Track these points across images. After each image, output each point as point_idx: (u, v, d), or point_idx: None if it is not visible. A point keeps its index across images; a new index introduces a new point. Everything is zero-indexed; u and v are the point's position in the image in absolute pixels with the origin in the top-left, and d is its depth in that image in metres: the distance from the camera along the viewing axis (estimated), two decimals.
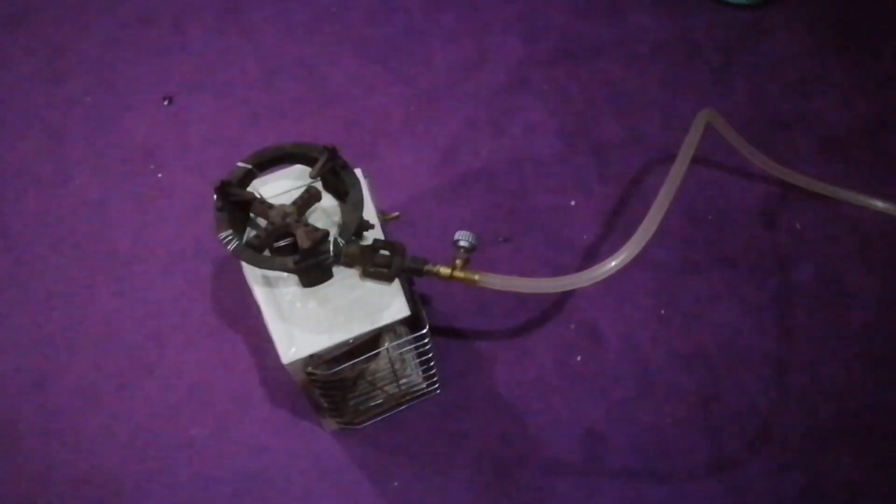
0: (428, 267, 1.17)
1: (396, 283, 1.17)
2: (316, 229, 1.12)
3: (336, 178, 1.19)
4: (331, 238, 1.12)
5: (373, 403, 1.38)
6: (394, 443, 1.40)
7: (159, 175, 1.71)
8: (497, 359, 1.47)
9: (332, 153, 1.16)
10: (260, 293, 1.17)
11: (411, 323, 1.21)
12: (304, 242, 1.09)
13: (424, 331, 1.19)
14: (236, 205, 1.16)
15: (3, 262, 1.61)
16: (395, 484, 1.37)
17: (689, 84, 1.73)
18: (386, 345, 1.21)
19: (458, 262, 1.18)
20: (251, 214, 1.19)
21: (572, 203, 1.61)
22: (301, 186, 1.24)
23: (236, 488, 1.38)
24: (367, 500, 1.36)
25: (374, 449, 1.40)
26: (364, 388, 1.34)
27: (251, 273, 1.18)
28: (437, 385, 1.39)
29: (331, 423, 1.39)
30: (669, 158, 1.62)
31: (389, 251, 1.17)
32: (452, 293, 1.50)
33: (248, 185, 1.19)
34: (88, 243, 1.63)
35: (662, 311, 1.48)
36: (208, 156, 1.72)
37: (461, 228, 1.53)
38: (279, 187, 1.24)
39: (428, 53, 1.82)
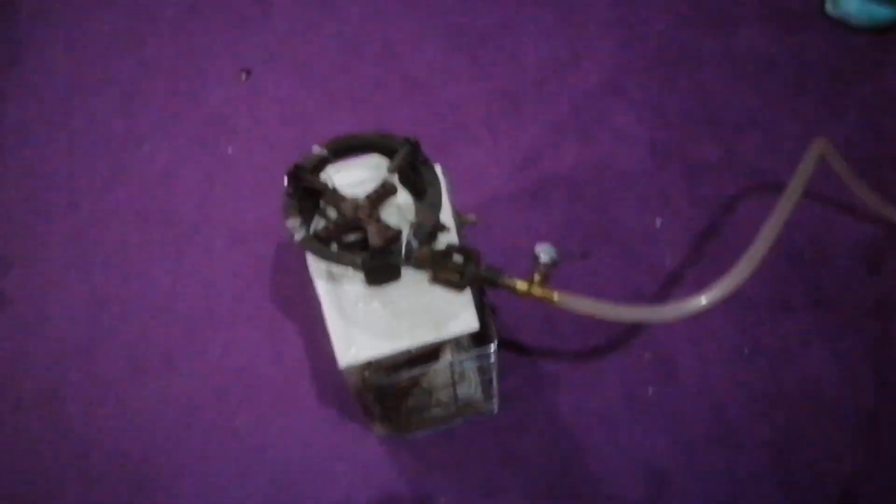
0: (503, 279, 1.09)
1: (467, 292, 1.09)
2: (388, 227, 1.05)
3: (415, 174, 1.12)
4: (403, 237, 1.04)
5: (426, 414, 1.30)
6: (443, 458, 1.32)
7: (229, 150, 1.65)
8: (561, 381, 1.37)
9: (414, 147, 1.08)
10: (322, 288, 1.10)
11: (478, 335, 1.13)
12: (375, 240, 1.01)
13: (492, 347, 1.11)
14: (307, 192, 1.10)
15: (67, 219, 1.58)
16: (441, 501, 1.29)
17: (795, 109, 1.60)
18: (448, 357, 1.13)
19: (536, 276, 1.10)
20: (321, 203, 1.12)
21: (658, 222, 1.50)
22: (376, 178, 1.17)
23: (274, 482, 1.32)
24: None
25: (422, 462, 1.32)
26: (419, 397, 1.26)
27: (315, 265, 1.11)
28: (495, 402, 1.31)
29: (380, 429, 1.32)
30: (767, 186, 1.52)
31: (464, 257, 1.09)
32: (519, 304, 1.39)
33: (321, 171, 1.12)
34: (151, 210, 1.59)
35: (746, 351, 1.37)
36: (281, 135, 1.66)
37: (538, 238, 1.44)
38: (352, 177, 1.17)
39: (518, 49, 1.73)
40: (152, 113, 1.70)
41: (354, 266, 1.04)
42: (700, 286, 1.41)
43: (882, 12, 1.63)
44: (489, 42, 1.73)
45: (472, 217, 1.23)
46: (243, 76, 1.75)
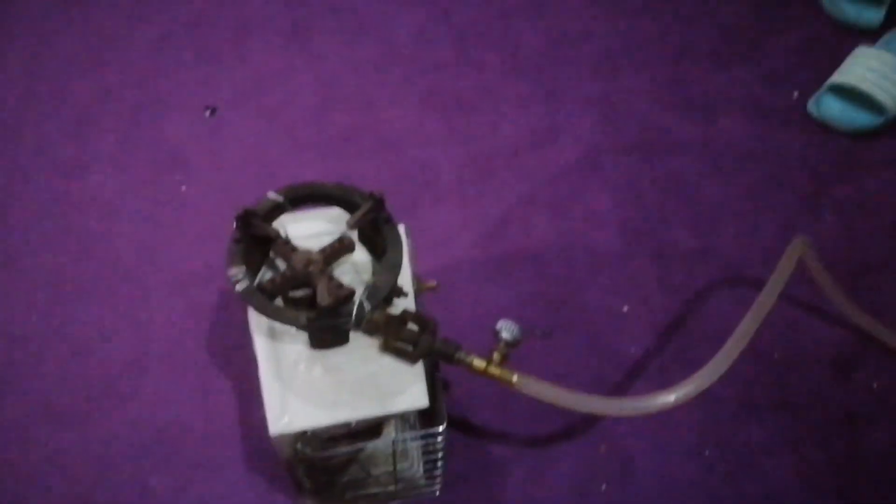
0: (460, 355, 1.00)
1: (419, 365, 1.00)
2: (340, 286, 0.96)
3: (375, 232, 1.04)
4: (356, 299, 0.95)
5: (361, 492, 1.19)
6: None
7: (183, 188, 1.56)
8: (509, 467, 1.28)
9: (378, 203, 1.01)
10: (260, 344, 1.01)
11: (425, 412, 1.04)
12: (324, 298, 0.92)
13: (441, 429, 1.01)
14: (256, 239, 1.01)
15: None
16: None
17: (773, 204, 1.57)
18: (392, 433, 1.03)
19: (495, 355, 1.01)
20: (270, 253, 1.03)
21: (625, 308, 1.44)
22: (332, 233, 1.08)
23: None
24: None
25: None
26: (355, 473, 1.16)
27: (256, 320, 1.02)
28: (437, 484, 1.21)
29: (306, 501, 1.21)
30: (740, 279, 1.47)
31: (419, 327, 1.00)
32: (472, 379, 1.32)
33: (274, 219, 1.04)
34: (90, 245, 1.48)
35: (707, 452, 1.30)
36: (239, 178, 1.58)
37: (500, 311, 1.35)
38: (308, 229, 1.09)
39: (496, 117, 1.68)
40: (106, 140, 1.61)
41: (297, 325, 0.95)
42: (664, 377, 1.36)
43: (863, 119, 1.62)
44: (466, 107, 1.68)
45: (432, 283, 1.14)
46: (207, 113, 1.67)
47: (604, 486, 1.26)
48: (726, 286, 1.47)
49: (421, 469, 1.20)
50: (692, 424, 1.32)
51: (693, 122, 1.67)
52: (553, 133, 1.66)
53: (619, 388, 1.35)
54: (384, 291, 0.96)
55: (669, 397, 1.00)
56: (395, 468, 1.12)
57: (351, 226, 1.00)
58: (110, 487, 1.24)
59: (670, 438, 1.31)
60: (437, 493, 1.23)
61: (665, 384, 1.32)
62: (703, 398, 1.30)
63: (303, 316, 0.94)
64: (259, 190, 1.53)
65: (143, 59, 1.73)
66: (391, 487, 1.18)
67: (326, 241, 1.05)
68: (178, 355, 1.36)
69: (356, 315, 0.94)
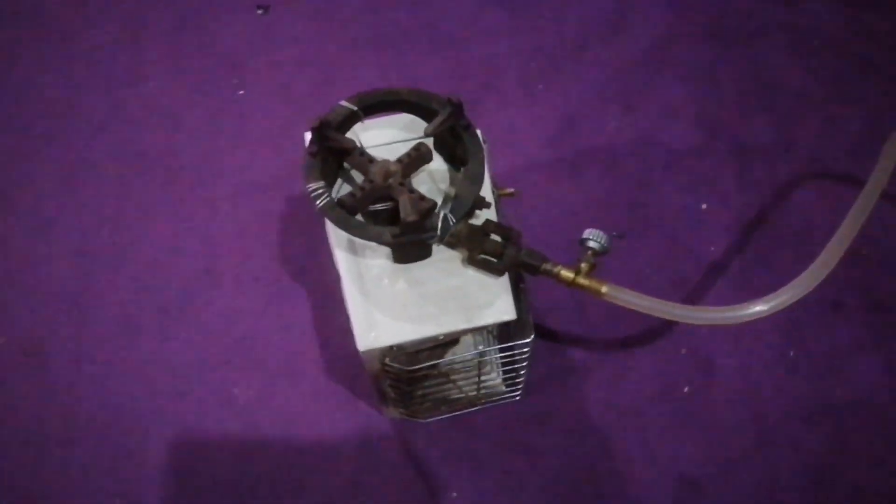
0: (546, 266, 0.97)
1: (505, 277, 0.97)
2: (423, 198, 0.93)
3: (453, 140, 0.99)
4: (440, 213, 0.91)
5: (443, 400, 1.19)
6: (460, 447, 1.22)
7: (241, 92, 1.52)
8: (591, 372, 1.27)
9: (457, 109, 0.95)
10: (342, 259, 0.98)
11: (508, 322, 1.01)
12: (408, 214, 0.89)
13: (528, 339, 0.99)
14: (330, 151, 0.97)
15: (60, 159, 1.45)
16: (454, 495, 1.19)
17: (859, 94, 1.47)
18: (478, 346, 1.02)
19: (583, 265, 0.98)
20: (344, 165, 1.00)
21: (703, 206, 1.38)
22: (407, 140, 1.04)
23: (274, 460, 1.21)
24: None
25: (436, 450, 1.21)
26: (438, 381, 1.15)
27: (335, 233, 0.99)
28: (518, 391, 1.20)
29: (392, 412, 1.21)
30: (824, 175, 1.40)
31: (503, 238, 0.97)
32: (548, 284, 1.30)
33: (348, 129, 0.99)
34: (152, 155, 1.46)
35: (791, 353, 1.27)
36: (298, 80, 1.53)
37: (571, 213, 1.33)
38: (380, 136, 1.04)
39: (561, 7, 1.58)
40: (157, 47, 1.56)
41: (381, 241, 0.92)
42: (746, 278, 1.31)
43: None
44: None
45: (510, 190, 1.10)
46: (260, 12, 1.60)
47: (686, 389, 1.25)
48: (810, 181, 1.40)
49: (501, 377, 1.19)
50: (776, 325, 1.28)
51: (776, 4, 1.56)
52: (621, 21, 1.56)
53: (700, 290, 1.31)
54: (468, 204, 0.93)
55: (763, 306, 0.95)
56: (479, 378, 1.11)
57: (429, 133, 0.96)
58: (193, 398, 1.25)
59: (753, 339, 1.28)
60: (519, 397, 1.22)
61: (747, 285, 1.29)
62: None
63: (386, 232, 0.91)
64: (316, 91, 1.50)
65: None
66: (473, 394, 1.18)
67: (400, 149, 1.01)
68: (248, 266, 1.35)
69: (441, 229, 0.91)
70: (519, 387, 1.18)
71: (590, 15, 1.57)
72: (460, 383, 1.14)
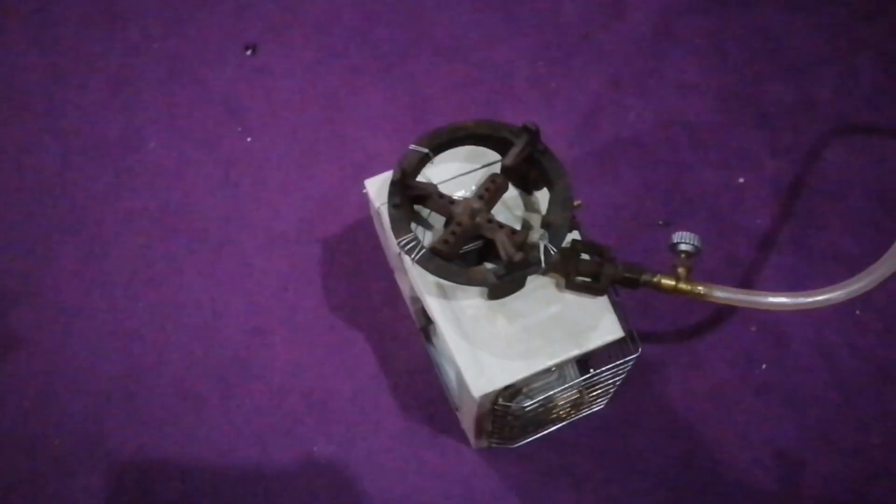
0: (646, 277, 0.95)
1: (604, 296, 0.95)
2: (515, 232, 0.90)
3: (528, 165, 0.96)
4: (540, 244, 0.89)
5: (537, 421, 1.17)
6: (554, 464, 1.20)
7: (248, 139, 1.46)
8: (666, 366, 1.26)
9: (534, 136, 0.92)
10: (436, 307, 0.95)
11: None
12: (511, 253, 0.86)
13: (636, 355, 0.98)
14: (410, 199, 0.93)
15: (74, 241, 1.37)
16: None
17: (866, 40, 1.49)
18: (591, 370, 1.00)
19: (680, 270, 0.96)
20: (415, 208, 0.96)
21: (741, 180, 1.38)
22: (471, 171, 1.01)
23: None
24: None
25: (531, 471, 1.20)
26: (539, 409, 1.13)
27: (421, 281, 0.96)
28: (604, 400, 1.19)
29: (482, 442, 1.19)
30: (850, 128, 1.41)
31: (595, 254, 0.95)
32: None
33: (419, 173, 0.96)
34: (172, 220, 1.39)
35: (858, 312, 1.28)
36: (303, 117, 1.48)
37: (610, 209, 1.32)
38: (444, 172, 1.01)
39: (554, 0, 1.56)
40: (151, 105, 1.49)
41: (487, 284, 0.89)
42: (798, 245, 1.32)
43: None
44: None
45: (578, 202, 1.08)
46: (248, 52, 1.54)
47: (763, 366, 1.25)
48: (836, 137, 1.41)
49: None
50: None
51: None
52: (620, 5, 1.55)
53: (756, 264, 1.31)
54: (565, 230, 0.90)
55: (864, 284, 0.95)
56: (582, 399, 1.09)
57: (510, 165, 0.93)
58: (273, 463, 1.21)
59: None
60: (604, 404, 1.21)
61: (800, 251, 1.30)
62: (841, 256, 1.29)
63: (490, 273, 0.88)
64: (327, 126, 1.45)
65: (161, 6, 1.58)
66: (565, 414, 1.16)
67: (466, 181, 0.98)
68: (297, 318, 1.31)
69: (545, 261, 0.88)
70: (609, 396, 1.16)
71: (584, 4, 1.55)
72: (558, 406, 1.12)
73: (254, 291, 1.33)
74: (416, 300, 1.13)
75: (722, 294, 0.95)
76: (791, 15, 1.51)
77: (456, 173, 1.01)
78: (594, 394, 1.09)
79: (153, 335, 1.30)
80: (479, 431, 1.12)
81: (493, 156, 1.01)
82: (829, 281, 1.26)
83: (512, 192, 1.00)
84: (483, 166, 1.02)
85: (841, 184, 1.37)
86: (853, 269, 1.28)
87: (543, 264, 0.88)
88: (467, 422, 1.12)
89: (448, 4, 1.56)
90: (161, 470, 1.22)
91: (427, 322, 1.25)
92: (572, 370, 1.08)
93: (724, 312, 1.29)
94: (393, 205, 0.90)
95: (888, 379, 1.23)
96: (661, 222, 1.35)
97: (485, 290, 0.94)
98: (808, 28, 1.50)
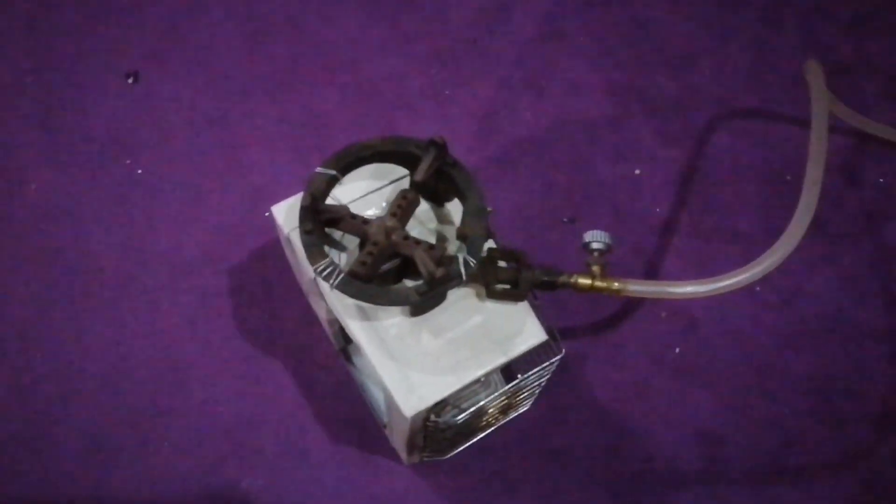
0: (563, 278, 0.97)
1: (525, 301, 0.96)
2: (432, 247, 0.90)
3: (437, 178, 0.96)
4: (459, 257, 0.89)
5: (467, 432, 1.17)
6: (487, 471, 1.20)
7: (139, 171, 1.40)
8: (585, 360, 1.28)
9: (441, 150, 0.92)
10: (358, 330, 0.94)
11: None
12: (432, 269, 0.85)
13: (560, 356, 0.99)
14: (322, 223, 0.91)
15: None
16: None
17: (737, 27, 1.56)
18: (518, 376, 1.00)
19: (594, 268, 0.98)
20: (327, 230, 0.95)
21: (637, 171, 1.43)
22: (379, 188, 1.01)
23: None
24: None
25: (466, 481, 1.20)
26: (469, 419, 1.13)
27: (341, 305, 0.94)
28: (529, 401, 1.20)
29: (413, 458, 1.18)
30: (732, 113, 1.48)
31: (511, 261, 0.96)
32: None
33: (328, 195, 0.94)
34: (65, 264, 1.32)
35: (758, 289, 1.34)
36: (195, 143, 1.43)
37: (515, 210, 1.34)
38: (352, 192, 1.00)
39: (439, 8, 1.56)
40: (29, 142, 1.41)
41: (409, 302, 0.88)
42: (699, 229, 1.37)
43: None
44: (407, 4, 1.56)
45: (490, 209, 1.08)
46: (130, 80, 1.48)
47: (677, 349, 1.29)
48: (721, 122, 1.47)
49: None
50: (734, 265, 1.34)
51: None
52: (504, 8, 1.57)
53: (660, 251, 1.36)
54: (482, 241, 0.90)
55: (774, 257, 1.00)
56: (510, 404, 1.10)
57: (420, 180, 0.92)
58: (203, 502, 1.17)
59: None
60: (528, 405, 1.22)
61: (699, 235, 1.35)
62: (734, 235, 1.35)
63: (412, 292, 0.87)
64: (218, 152, 1.41)
65: (28, 33, 1.49)
66: (493, 420, 1.17)
67: (376, 199, 0.97)
68: (212, 352, 1.26)
69: (465, 274, 0.88)
70: (533, 397, 1.18)
71: (470, 7, 1.56)
72: (489, 412, 1.13)
73: (161, 329, 1.28)
74: (334, 322, 1.11)
75: (636, 288, 0.98)
76: (668, 7, 1.57)
77: (365, 191, 1.00)
78: (521, 397, 1.10)
79: (55, 388, 1.23)
80: (411, 448, 1.11)
81: (401, 170, 1.00)
82: (728, 260, 1.32)
83: (423, 206, 1.00)
84: (391, 182, 1.01)
85: (729, 166, 1.43)
86: (749, 246, 1.35)
87: (464, 277, 0.88)
88: (398, 439, 1.11)
89: (333, 20, 1.54)
90: None
91: (346, 342, 1.23)
92: (497, 377, 1.08)
93: (635, 303, 1.32)
94: (305, 231, 0.88)
95: (792, 349, 1.30)
96: (565, 219, 1.37)
97: (407, 307, 0.93)
98: (684, 20, 1.56)
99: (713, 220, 1.38)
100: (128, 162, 1.40)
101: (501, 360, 0.94)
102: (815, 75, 1.17)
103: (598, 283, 0.97)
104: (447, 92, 1.48)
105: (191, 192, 1.38)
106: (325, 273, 0.87)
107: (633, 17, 1.56)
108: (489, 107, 1.47)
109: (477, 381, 0.94)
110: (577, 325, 1.31)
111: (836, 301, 1.33)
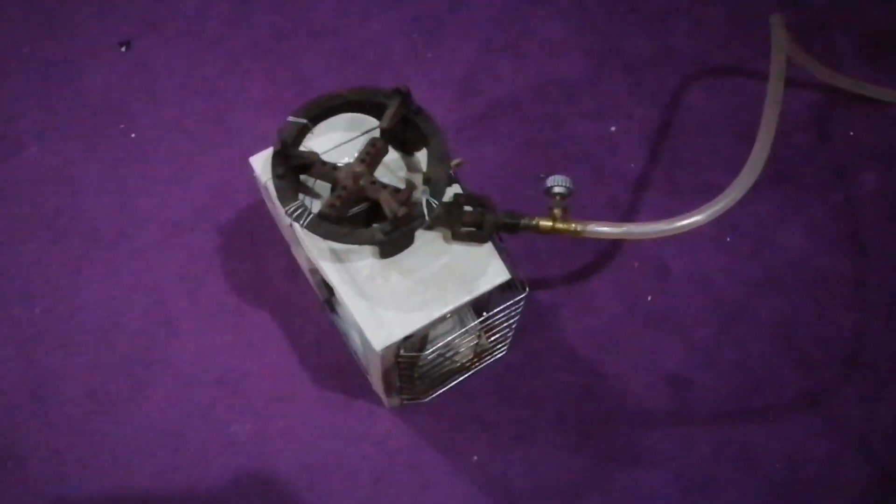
0: (525, 221, 1.02)
1: (489, 242, 1.01)
2: (399, 190, 0.95)
3: (404, 127, 1.01)
4: (423, 200, 0.94)
5: (442, 373, 1.23)
6: (465, 414, 1.26)
7: (132, 135, 1.46)
8: (560, 309, 1.33)
9: (406, 97, 0.97)
10: (331, 271, 0.99)
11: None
12: (395, 209, 0.91)
13: (524, 295, 1.04)
14: (293, 169, 0.97)
15: None
16: (475, 458, 1.24)
17: None
18: (483, 314, 1.05)
19: (556, 211, 1.03)
20: (302, 178, 1.00)
21: (612, 129, 1.47)
22: (353, 139, 1.06)
23: (298, 485, 1.21)
24: (448, 479, 1.22)
25: (444, 423, 1.25)
26: (438, 359, 1.19)
27: (316, 247, 0.99)
28: (506, 346, 1.25)
29: (394, 401, 1.24)
30: (706, 72, 1.51)
31: (477, 206, 1.01)
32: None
33: (300, 143, 0.99)
34: (62, 223, 1.38)
35: (728, 239, 1.38)
36: (186, 108, 1.48)
37: (493, 167, 1.39)
38: (328, 142, 1.05)
39: None
40: (27, 108, 1.47)
41: (374, 241, 0.93)
42: (672, 183, 1.41)
43: None
44: None
45: (458, 160, 1.13)
46: (123, 48, 1.53)
47: (649, 297, 1.34)
48: (695, 80, 1.51)
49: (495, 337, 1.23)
50: None
51: None
52: None
53: (634, 205, 1.40)
54: (444, 184, 0.95)
55: (730, 195, 1.04)
56: (481, 344, 1.15)
57: (387, 127, 0.97)
58: (191, 450, 1.23)
59: (693, 235, 1.36)
60: (505, 351, 1.28)
61: (672, 189, 1.40)
62: (707, 188, 1.36)
63: (378, 231, 0.92)
64: (210, 116, 1.46)
65: (24, 5, 1.55)
66: (468, 362, 1.22)
67: (350, 149, 1.02)
68: (202, 305, 1.32)
69: (428, 215, 0.93)
70: (507, 342, 1.23)
71: None
72: (459, 354, 1.18)
73: (154, 285, 1.34)
74: (316, 272, 1.17)
75: (596, 228, 1.03)
76: None
77: (338, 142, 1.05)
78: (493, 338, 1.15)
79: (54, 340, 1.29)
80: (389, 389, 1.17)
81: (373, 122, 1.05)
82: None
83: (393, 155, 1.04)
84: (363, 133, 1.06)
85: (702, 123, 1.47)
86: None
87: (427, 217, 0.93)
88: (377, 381, 1.16)
89: None
90: (77, 472, 1.22)
91: (330, 293, 1.28)
92: (470, 318, 1.14)
93: (609, 252, 1.37)
94: (277, 175, 0.94)
95: (760, 296, 1.34)
96: (542, 175, 1.41)
97: (377, 250, 0.99)
98: None
99: (686, 175, 1.42)
100: (121, 127, 1.46)
101: (466, 297, 0.99)
102: (777, 26, 1.20)
103: (559, 225, 1.02)
104: (429, 55, 1.53)
105: (182, 155, 1.44)
106: (295, 214, 0.92)
107: None
108: (470, 68, 1.51)
109: (444, 318, 0.99)
110: (552, 275, 1.35)
111: (805, 250, 1.38)
